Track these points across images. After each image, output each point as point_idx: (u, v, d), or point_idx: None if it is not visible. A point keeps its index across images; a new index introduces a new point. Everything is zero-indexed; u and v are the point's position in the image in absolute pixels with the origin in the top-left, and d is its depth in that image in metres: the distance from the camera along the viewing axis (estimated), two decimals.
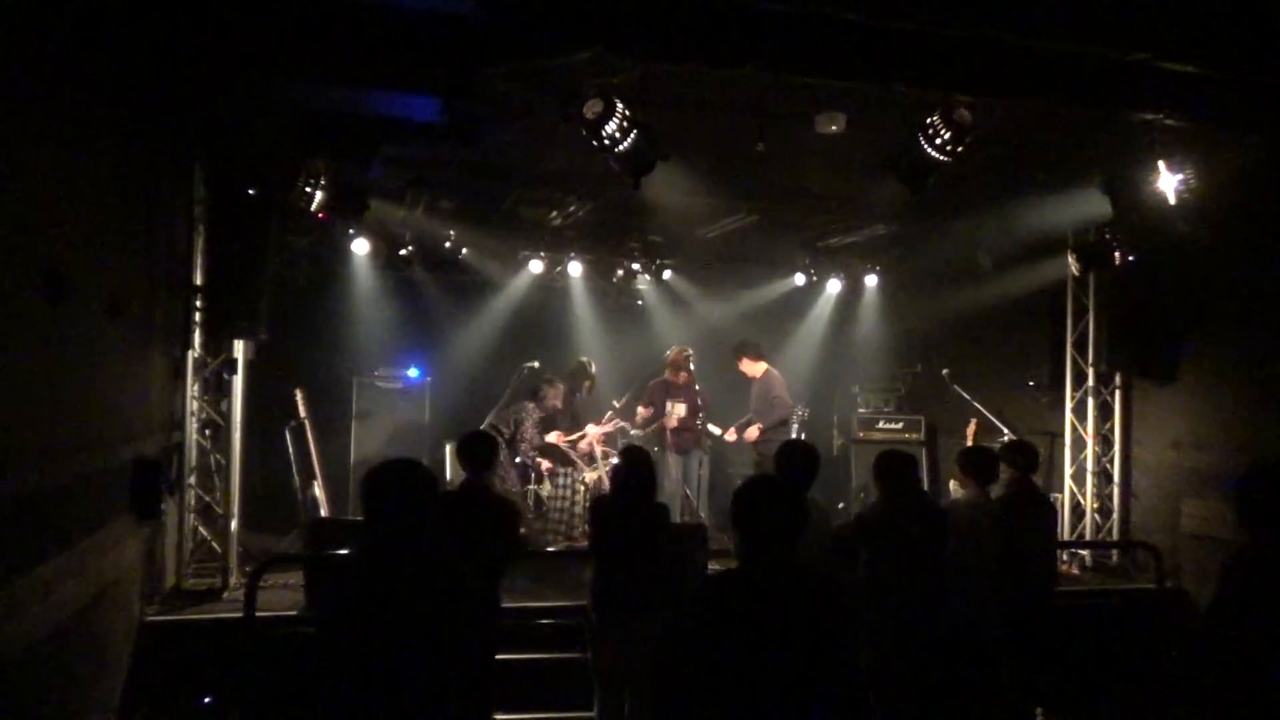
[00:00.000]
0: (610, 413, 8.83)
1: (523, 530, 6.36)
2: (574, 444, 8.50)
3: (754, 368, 8.83)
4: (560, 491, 8.21)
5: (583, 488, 8.28)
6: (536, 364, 8.78)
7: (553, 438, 8.39)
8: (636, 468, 4.77)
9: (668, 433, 8.78)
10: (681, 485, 8.64)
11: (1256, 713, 3.31)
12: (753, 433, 8.64)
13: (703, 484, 8.77)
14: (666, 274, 10.23)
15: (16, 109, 3.55)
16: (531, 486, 8.28)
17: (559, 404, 8.56)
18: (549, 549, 7.83)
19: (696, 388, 8.85)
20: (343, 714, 2.83)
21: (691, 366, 8.76)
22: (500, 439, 7.94)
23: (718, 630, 2.69)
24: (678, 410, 8.76)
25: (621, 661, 4.53)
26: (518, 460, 8.21)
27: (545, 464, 8.28)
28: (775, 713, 2.64)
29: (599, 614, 4.66)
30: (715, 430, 8.89)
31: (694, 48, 4.83)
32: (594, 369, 9.10)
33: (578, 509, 8.19)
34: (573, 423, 8.78)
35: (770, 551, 2.77)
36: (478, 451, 4.87)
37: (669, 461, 8.72)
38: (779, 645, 2.66)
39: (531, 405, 8.38)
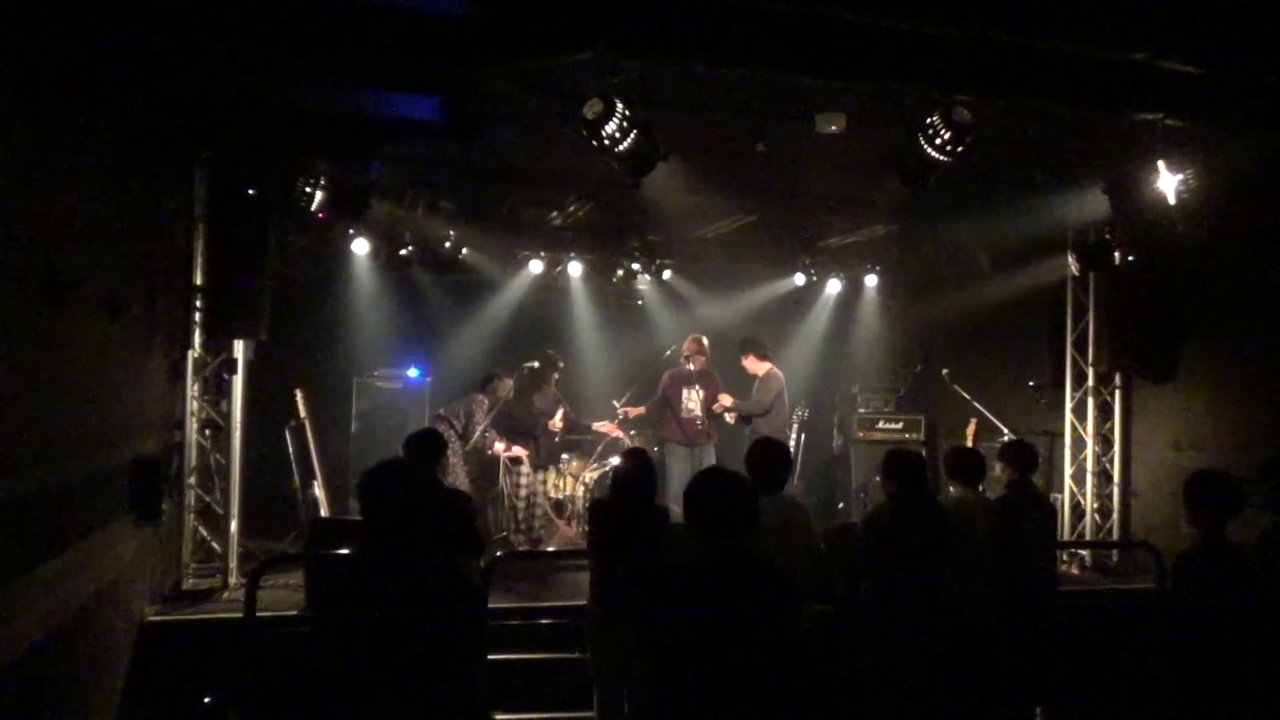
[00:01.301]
0: (610, 423, 8.75)
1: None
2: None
3: (759, 366, 8.57)
4: (518, 489, 8.22)
5: (540, 487, 8.31)
6: (536, 364, 8.77)
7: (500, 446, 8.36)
8: (638, 470, 4.77)
9: (676, 426, 8.46)
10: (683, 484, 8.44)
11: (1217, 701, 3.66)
12: (724, 400, 8.35)
13: None
14: (666, 274, 10.23)
15: (17, 109, 3.56)
16: (501, 482, 8.28)
17: (509, 395, 8.51)
18: (550, 549, 7.84)
19: (713, 375, 8.51)
20: (343, 712, 2.83)
21: (707, 351, 8.41)
22: (453, 431, 7.94)
23: (678, 612, 2.91)
24: (694, 398, 8.36)
25: (621, 662, 4.52)
26: (470, 448, 8.15)
27: (500, 446, 8.23)
28: (728, 687, 2.85)
29: (598, 615, 4.66)
30: (726, 401, 8.45)
31: (694, 48, 4.83)
32: (560, 363, 9.03)
33: (538, 510, 8.22)
34: (548, 415, 8.73)
35: (719, 539, 2.95)
36: (423, 447, 4.88)
37: (673, 458, 8.42)
38: (727, 626, 2.87)
39: (480, 396, 8.31)
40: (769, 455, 4.51)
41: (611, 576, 4.65)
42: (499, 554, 6.75)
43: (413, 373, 9.54)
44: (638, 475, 4.73)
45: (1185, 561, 3.93)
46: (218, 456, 6.55)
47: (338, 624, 2.90)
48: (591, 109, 5.07)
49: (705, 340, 8.56)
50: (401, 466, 3.05)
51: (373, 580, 2.90)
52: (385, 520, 2.91)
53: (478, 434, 8.14)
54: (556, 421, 8.60)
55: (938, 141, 5.35)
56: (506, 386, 8.46)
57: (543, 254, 9.86)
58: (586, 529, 6.08)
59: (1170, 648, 3.90)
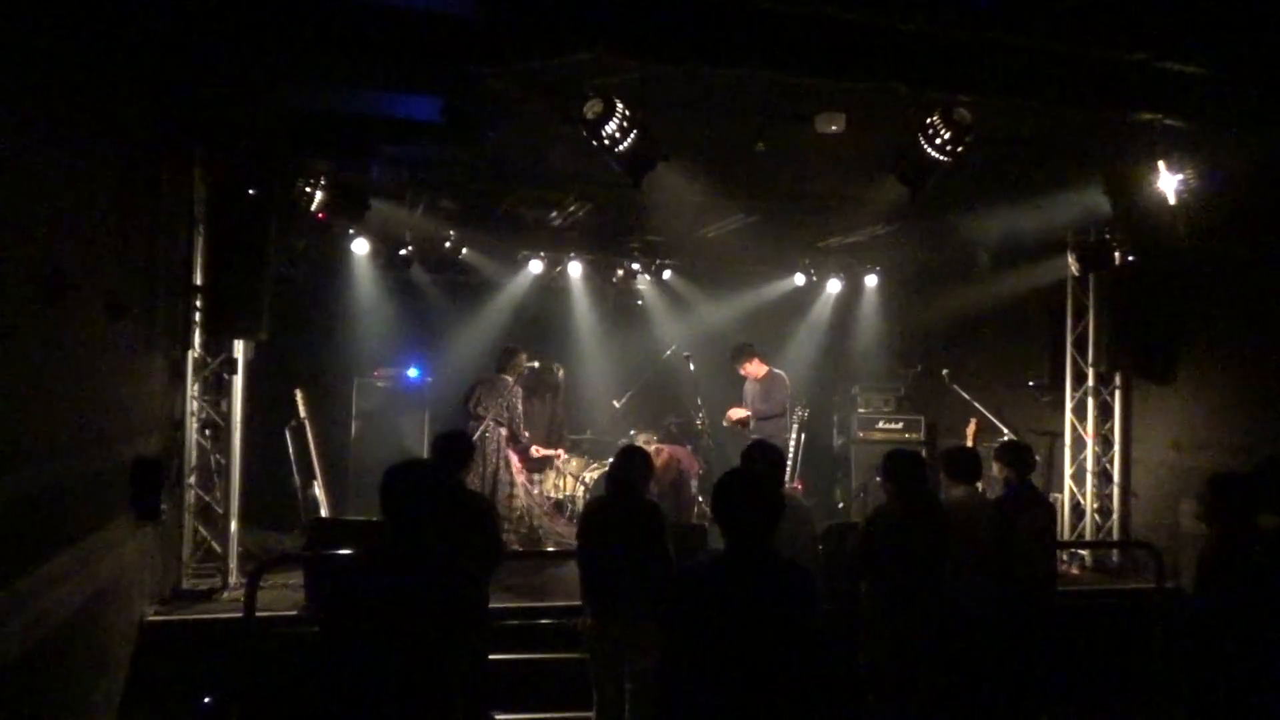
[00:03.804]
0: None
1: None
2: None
3: (760, 369, 8.67)
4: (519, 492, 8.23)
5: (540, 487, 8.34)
6: (536, 364, 8.77)
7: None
8: (625, 465, 4.74)
9: None
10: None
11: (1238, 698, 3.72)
12: (738, 413, 8.47)
13: None
14: (666, 274, 10.25)
15: (17, 110, 3.56)
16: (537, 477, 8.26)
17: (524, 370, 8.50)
18: (550, 549, 7.84)
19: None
20: (343, 713, 2.83)
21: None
22: (500, 429, 7.86)
23: (700, 611, 2.92)
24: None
25: (621, 665, 4.51)
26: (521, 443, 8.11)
27: (541, 450, 8.22)
28: (753, 686, 2.86)
29: (596, 617, 4.63)
30: (742, 413, 8.56)
31: (694, 48, 4.84)
32: (561, 374, 8.98)
33: (536, 509, 8.24)
34: (549, 430, 8.69)
35: (746, 539, 2.97)
36: (453, 449, 4.83)
37: None
38: (752, 624, 2.88)
39: (506, 378, 8.20)
40: (761, 458, 4.61)
41: (600, 573, 4.62)
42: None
43: (413, 373, 9.54)
44: (624, 471, 4.70)
45: (1212, 558, 3.94)
46: (218, 456, 6.55)
47: (338, 625, 2.90)
48: (591, 109, 5.08)
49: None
50: (423, 466, 3.07)
51: (375, 581, 2.89)
52: (403, 519, 2.91)
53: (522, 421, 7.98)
54: (539, 449, 8.58)
55: (938, 141, 5.36)
56: (523, 361, 8.38)
57: (543, 254, 9.87)
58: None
59: (1194, 645, 3.91)
